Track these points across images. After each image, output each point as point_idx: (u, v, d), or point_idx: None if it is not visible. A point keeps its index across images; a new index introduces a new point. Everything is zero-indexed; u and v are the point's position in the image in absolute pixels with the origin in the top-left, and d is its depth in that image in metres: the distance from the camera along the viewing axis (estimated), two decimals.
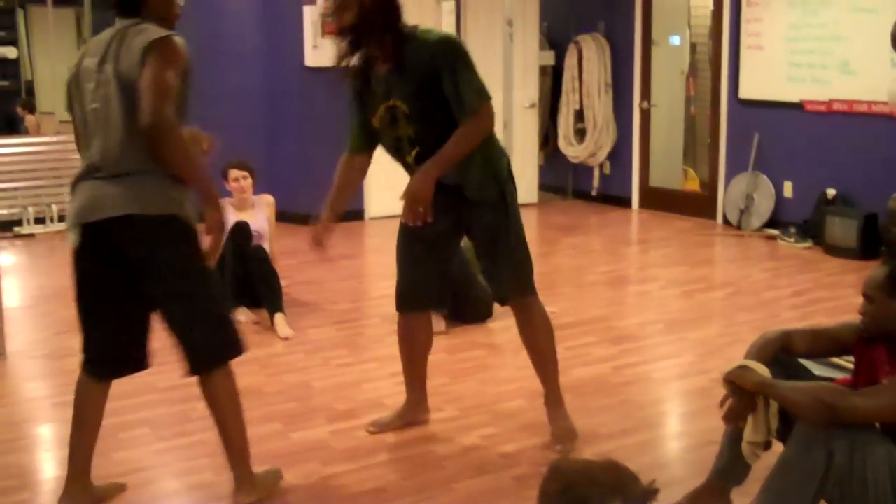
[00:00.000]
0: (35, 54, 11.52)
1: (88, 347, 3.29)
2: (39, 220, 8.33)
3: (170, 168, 3.02)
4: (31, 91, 11.18)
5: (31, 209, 8.28)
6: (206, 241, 3.19)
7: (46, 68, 11.56)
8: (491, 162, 3.66)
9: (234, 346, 3.27)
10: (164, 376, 4.04)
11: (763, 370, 3.03)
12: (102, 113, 3.04)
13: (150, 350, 3.34)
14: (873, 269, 3.04)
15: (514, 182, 3.77)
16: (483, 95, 3.49)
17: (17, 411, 4.40)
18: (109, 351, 3.29)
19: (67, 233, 3.16)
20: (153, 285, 3.13)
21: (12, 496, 3.43)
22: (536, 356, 3.92)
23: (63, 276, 6.92)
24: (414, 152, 3.61)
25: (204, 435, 3.89)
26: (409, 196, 3.49)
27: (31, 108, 10.18)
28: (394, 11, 3.51)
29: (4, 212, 8.36)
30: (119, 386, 3.43)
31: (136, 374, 3.39)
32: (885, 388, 2.83)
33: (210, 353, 3.22)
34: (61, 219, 8.29)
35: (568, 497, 1.71)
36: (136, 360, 3.33)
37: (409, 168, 3.69)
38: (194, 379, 3.26)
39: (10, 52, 10.81)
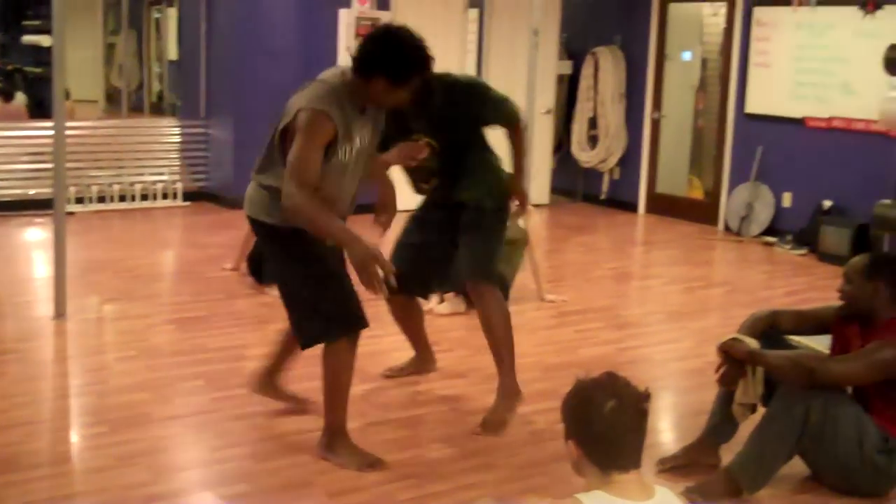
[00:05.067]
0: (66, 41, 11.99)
1: None
2: (79, 200, 8.79)
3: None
4: None
5: (71, 189, 8.74)
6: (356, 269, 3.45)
7: (74, 55, 12.07)
8: (494, 177, 4.18)
9: (326, 332, 3.64)
10: (213, 339, 4.51)
11: (753, 343, 3.51)
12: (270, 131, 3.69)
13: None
14: (856, 256, 3.55)
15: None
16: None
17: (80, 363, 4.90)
18: None
19: None
20: None
21: (89, 430, 3.94)
22: (491, 339, 4.27)
23: (101, 251, 7.44)
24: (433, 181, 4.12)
25: None
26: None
27: (66, 95, 10.59)
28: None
29: (46, 191, 8.79)
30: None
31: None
32: (854, 356, 3.32)
33: (302, 334, 3.73)
34: (100, 199, 8.77)
35: (577, 398, 2.21)
36: None
37: (420, 191, 4.19)
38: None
39: (44, 41, 11.19)
